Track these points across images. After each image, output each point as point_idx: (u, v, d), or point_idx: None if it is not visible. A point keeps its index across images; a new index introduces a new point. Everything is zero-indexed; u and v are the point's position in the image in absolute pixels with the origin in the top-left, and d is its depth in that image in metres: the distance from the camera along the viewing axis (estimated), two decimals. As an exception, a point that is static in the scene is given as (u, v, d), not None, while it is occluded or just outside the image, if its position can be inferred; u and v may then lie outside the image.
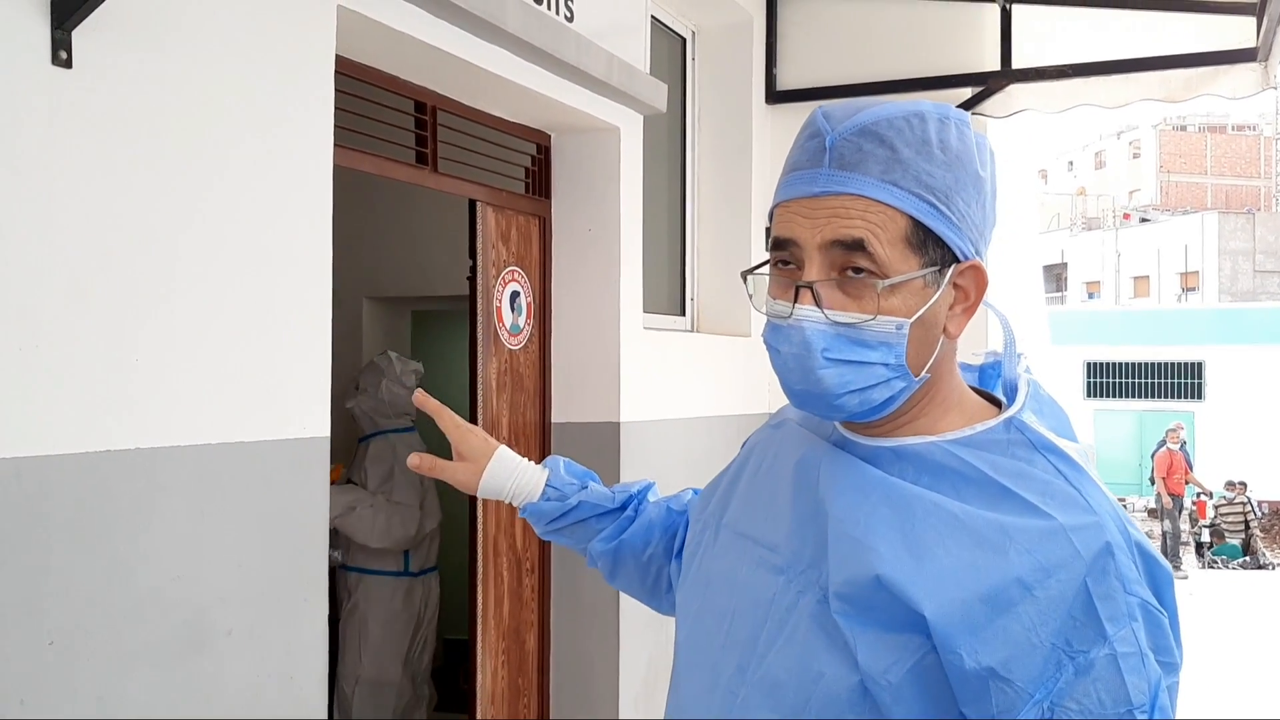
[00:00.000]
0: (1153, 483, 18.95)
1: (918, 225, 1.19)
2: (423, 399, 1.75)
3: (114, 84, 2.46)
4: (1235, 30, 5.47)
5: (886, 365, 1.20)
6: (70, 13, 2.34)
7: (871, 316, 1.19)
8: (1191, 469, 18.65)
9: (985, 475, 1.20)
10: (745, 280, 1.33)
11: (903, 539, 1.18)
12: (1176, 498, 16.32)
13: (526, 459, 1.77)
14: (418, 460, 1.69)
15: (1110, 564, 1.12)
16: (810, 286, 1.19)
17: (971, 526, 1.16)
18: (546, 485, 1.73)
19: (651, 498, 1.78)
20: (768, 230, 1.29)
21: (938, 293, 1.21)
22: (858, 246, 1.18)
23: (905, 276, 1.19)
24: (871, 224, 1.18)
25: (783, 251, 1.24)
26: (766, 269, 1.29)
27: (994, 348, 1.43)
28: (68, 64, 2.36)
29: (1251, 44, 5.37)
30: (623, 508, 1.74)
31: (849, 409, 1.23)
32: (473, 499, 4.37)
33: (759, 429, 1.54)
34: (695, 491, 1.75)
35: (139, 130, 2.51)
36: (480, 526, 4.39)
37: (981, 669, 1.10)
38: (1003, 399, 1.36)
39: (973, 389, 1.37)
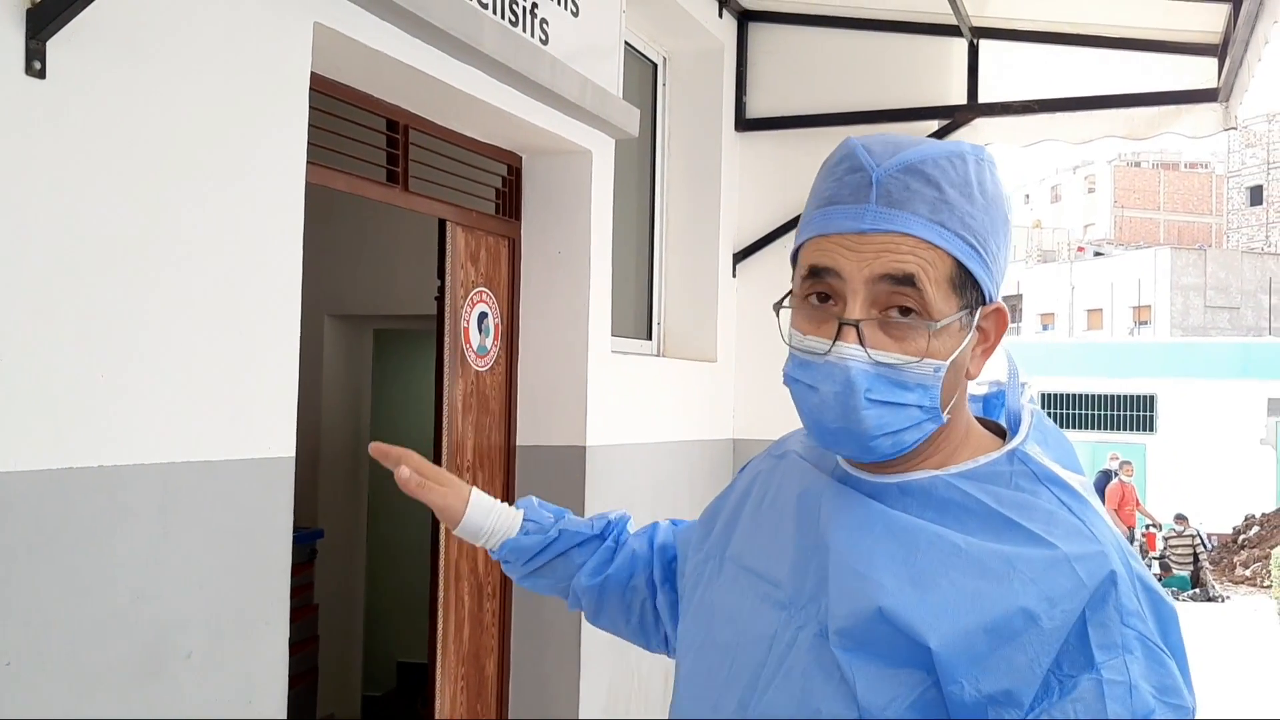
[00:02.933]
0: (1103, 514, 19.19)
1: (960, 267, 1.18)
2: (380, 451, 1.65)
3: (88, 95, 2.43)
4: (1197, 71, 5.57)
5: (921, 408, 1.19)
6: (46, 23, 2.30)
7: (917, 359, 1.17)
8: (1141, 501, 18.88)
9: (988, 507, 1.19)
10: (778, 313, 1.28)
11: (906, 571, 1.17)
12: (1129, 530, 16.54)
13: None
14: (407, 476, 1.61)
15: (1111, 593, 1.11)
16: (856, 325, 1.16)
17: (975, 556, 1.15)
18: (524, 519, 1.69)
19: (630, 529, 1.75)
20: (794, 258, 1.26)
21: (970, 335, 1.21)
22: (908, 282, 1.16)
23: (949, 319, 1.18)
24: (922, 262, 1.16)
25: (820, 282, 1.20)
26: (791, 304, 1.26)
27: (997, 377, 1.43)
28: (41, 74, 2.32)
29: (1213, 85, 5.48)
30: (603, 536, 1.71)
31: (881, 450, 1.21)
32: (435, 523, 4.33)
33: (760, 457, 1.52)
34: (674, 523, 1.72)
35: (112, 143, 2.48)
36: (442, 550, 4.35)
37: (982, 697, 1.09)
38: (1007, 429, 1.35)
39: (977, 419, 1.36)
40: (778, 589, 1.30)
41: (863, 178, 1.19)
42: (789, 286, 1.29)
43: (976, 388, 1.40)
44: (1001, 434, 1.34)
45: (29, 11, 2.30)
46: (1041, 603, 1.11)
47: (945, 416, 1.22)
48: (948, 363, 1.19)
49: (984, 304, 1.22)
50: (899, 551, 1.18)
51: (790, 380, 1.24)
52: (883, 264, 1.16)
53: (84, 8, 2.32)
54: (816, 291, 1.21)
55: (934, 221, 1.17)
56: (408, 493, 1.62)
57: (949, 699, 1.11)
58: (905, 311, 1.17)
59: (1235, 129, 5.54)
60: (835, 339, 1.17)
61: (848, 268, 1.17)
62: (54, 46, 2.34)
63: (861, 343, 1.16)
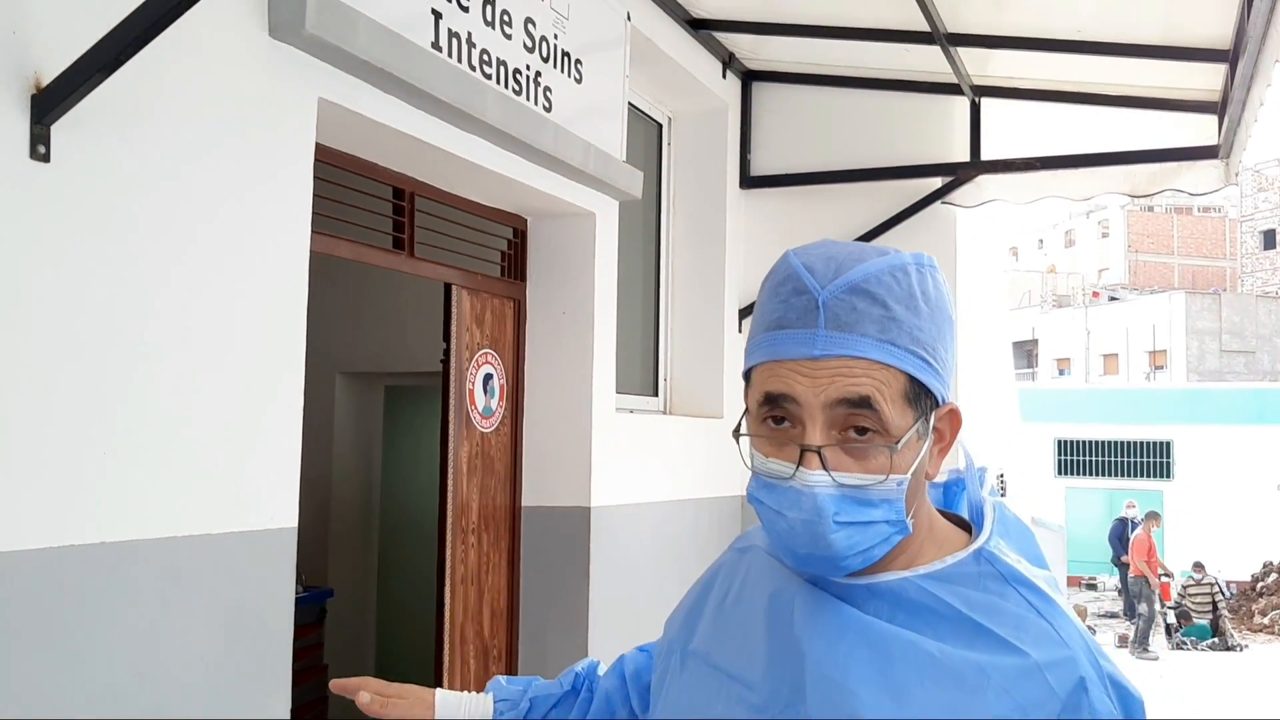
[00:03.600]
0: (1120, 565, 18.99)
1: (913, 381, 1.19)
2: (339, 686, 1.62)
3: (92, 177, 2.48)
4: (1197, 128, 5.61)
5: (889, 522, 1.20)
6: (50, 108, 2.36)
7: (882, 477, 1.18)
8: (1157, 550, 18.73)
9: (959, 612, 1.21)
10: (737, 440, 1.28)
11: (882, 681, 1.18)
12: (1156, 578, 16.30)
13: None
14: (367, 700, 1.58)
15: (1084, 700, 1.13)
16: (819, 450, 1.17)
17: (949, 667, 1.16)
18: (495, 701, 1.66)
19: (600, 672, 1.72)
20: (746, 377, 1.27)
21: (927, 442, 1.23)
22: (865, 404, 1.17)
23: (908, 434, 1.19)
24: (876, 382, 1.17)
25: (777, 408, 1.21)
26: (746, 424, 1.27)
27: (954, 465, 1.44)
28: (46, 158, 2.38)
29: (1214, 141, 5.51)
30: (575, 690, 1.68)
31: (851, 568, 1.22)
32: (440, 583, 4.34)
33: (724, 553, 1.53)
34: (643, 649, 1.70)
35: (115, 222, 2.53)
36: (447, 613, 4.35)
37: None
38: (970, 523, 1.37)
39: (939, 511, 1.37)
40: (751, 692, 1.29)
41: (809, 300, 1.19)
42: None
43: (937, 476, 1.41)
44: (963, 525, 1.35)
45: (34, 97, 2.36)
46: (1015, 711, 1.12)
47: (910, 525, 1.23)
48: (909, 475, 1.20)
49: (937, 407, 1.24)
50: (875, 660, 1.19)
51: (755, 501, 1.25)
52: (838, 388, 1.17)
53: (88, 93, 2.38)
54: (773, 415, 1.22)
55: (884, 341, 1.18)
56: (370, 714, 1.58)
57: None
58: (862, 431, 1.18)
59: (1237, 185, 5.56)
60: (798, 464, 1.18)
61: (804, 394, 1.18)
62: (58, 130, 2.40)
63: (825, 467, 1.17)
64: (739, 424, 1.27)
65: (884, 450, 1.18)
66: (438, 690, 1.63)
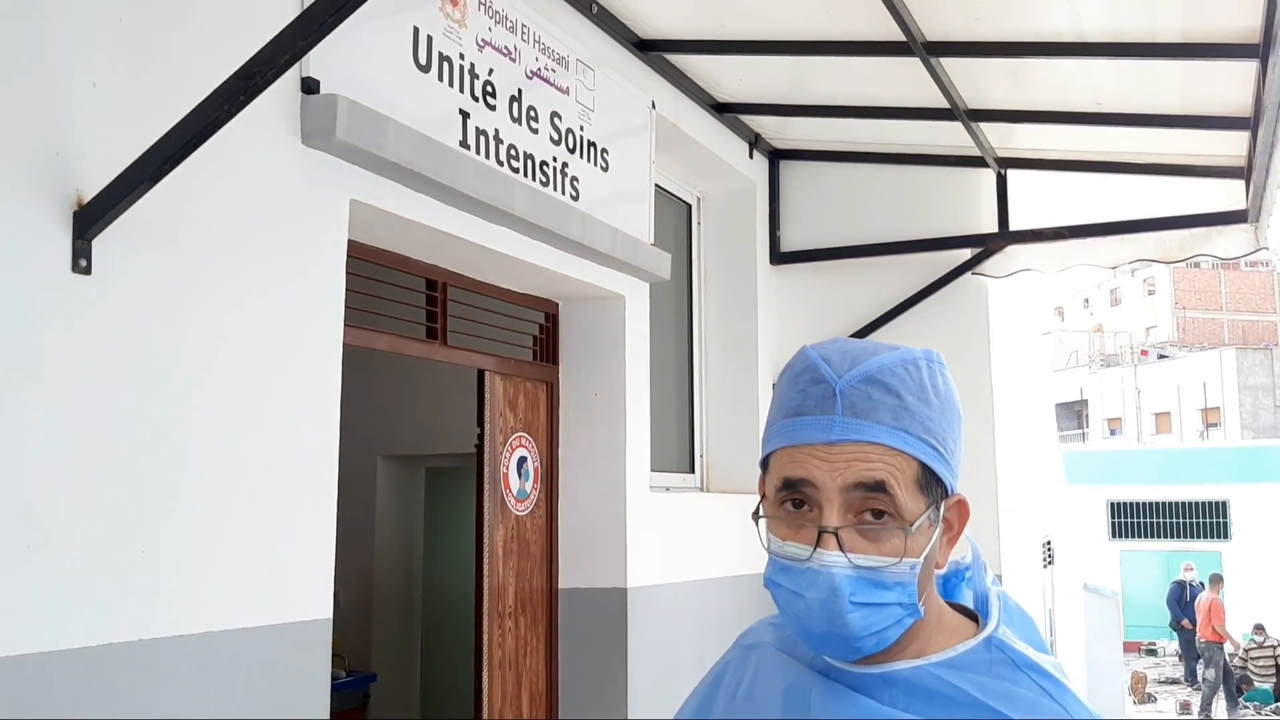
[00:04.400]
0: (1180, 629, 18.55)
1: (925, 468, 1.24)
2: None
3: (131, 288, 2.59)
4: (1225, 193, 5.63)
5: (901, 605, 1.24)
6: (92, 223, 2.48)
7: (896, 560, 1.22)
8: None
9: (974, 699, 1.23)
10: (756, 522, 1.32)
11: None
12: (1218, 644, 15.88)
13: None
14: None
15: None
16: (835, 532, 1.21)
17: None
18: None
19: None
20: (764, 464, 1.31)
21: (937, 530, 1.27)
22: (879, 489, 1.21)
23: (921, 519, 1.23)
24: (890, 468, 1.22)
25: (795, 492, 1.25)
26: (764, 508, 1.31)
27: (956, 559, 1.47)
28: (87, 271, 2.49)
29: (1241, 205, 5.52)
30: None
31: (866, 650, 1.25)
32: (477, 667, 4.36)
33: (729, 650, 1.56)
34: None
35: (154, 330, 2.63)
36: (485, 697, 4.37)
37: None
38: (976, 612, 1.40)
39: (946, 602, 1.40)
40: None
41: (826, 389, 1.25)
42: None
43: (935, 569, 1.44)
44: (968, 615, 1.38)
45: (76, 213, 2.48)
46: None
47: (922, 610, 1.26)
48: (921, 559, 1.24)
49: (946, 497, 1.28)
50: None
51: (772, 585, 1.28)
52: (854, 473, 1.21)
53: (128, 207, 2.50)
54: (792, 499, 1.26)
55: (897, 428, 1.23)
56: None
57: None
58: (878, 514, 1.23)
59: (1268, 248, 5.55)
60: (816, 545, 1.22)
61: (821, 477, 1.22)
62: (99, 244, 2.51)
63: (841, 548, 1.22)
64: (757, 508, 1.31)
65: (898, 533, 1.22)
66: None
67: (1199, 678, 16.19)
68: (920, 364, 1.28)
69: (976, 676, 1.25)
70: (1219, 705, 16.18)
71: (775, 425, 1.31)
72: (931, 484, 1.25)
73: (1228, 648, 16.61)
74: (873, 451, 1.22)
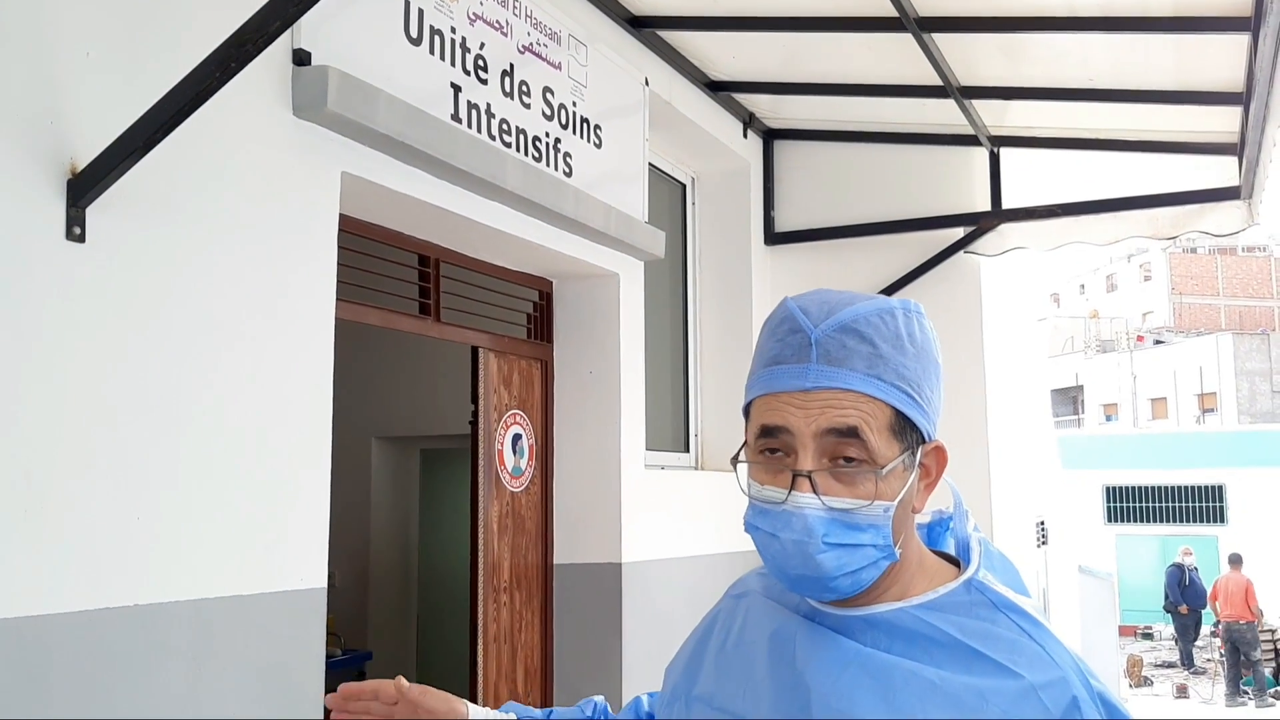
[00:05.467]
0: (1177, 612, 18.58)
1: (898, 414, 1.26)
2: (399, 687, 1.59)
3: (125, 257, 2.60)
4: (1218, 169, 5.63)
5: (875, 546, 1.27)
6: (85, 191, 2.49)
7: (868, 502, 1.25)
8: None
9: (954, 639, 1.26)
10: (735, 467, 1.35)
11: (886, 709, 1.23)
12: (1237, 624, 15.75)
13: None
14: (406, 685, 1.59)
15: (1078, 718, 1.19)
16: (809, 475, 1.24)
17: (949, 692, 1.21)
18: (518, 718, 1.69)
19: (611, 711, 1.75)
20: (746, 412, 1.34)
21: (913, 474, 1.30)
22: (852, 434, 1.24)
23: (894, 463, 1.26)
24: (864, 414, 1.25)
25: (772, 439, 1.28)
26: (745, 455, 1.34)
27: (939, 507, 1.50)
28: (81, 239, 2.50)
29: (1234, 182, 5.53)
30: (592, 716, 1.73)
31: (842, 590, 1.28)
32: (473, 642, 4.39)
33: (720, 600, 1.58)
34: (651, 695, 1.73)
35: (147, 299, 2.64)
36: (480, 672, 4.39)
37: None
38: (958, 558, 1.42)
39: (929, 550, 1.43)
40: None
41: (803, 338, 1.28)
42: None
43: (920, 517, 1.47)
44: (951, 561, 1.41)
45: (70, 181, 2.49)
46: None
47: (898, 552, 1.29)
48: (895, 502, 1.26)
49: (923, 443, 1.31)
50: (878, 689, 1.25)
51: (751, 528, 1.31)
52: (828, 418, 1.25)
53: (121, 175, 2.51)
54: (769, 446, 1.29)
55: (871, 375, 1.26)
56: (409, 699, 1.59)
57: None
58: (850, 459, 1.26)
59: (1260, 225, 5.56)
60: (791, 488, 1.25)
61: (796, 424, 1.26)
62: (93, 212, 2.53)
63: (815, 491, 1.25)
64: (738, 452, 1.34)
65: (871, 476, 1.25)
66: (469, 704, 1.64)
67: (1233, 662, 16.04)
68: (896, 313, 1.30)
69: (956, 617, 1.28)
70: (1217, 690, 16.24)
71: (755, 374, 1.34)
72: (906, 430, 1.27)
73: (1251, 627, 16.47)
74: (846, 398, 1.25)
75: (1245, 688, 15.99)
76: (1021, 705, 1.19)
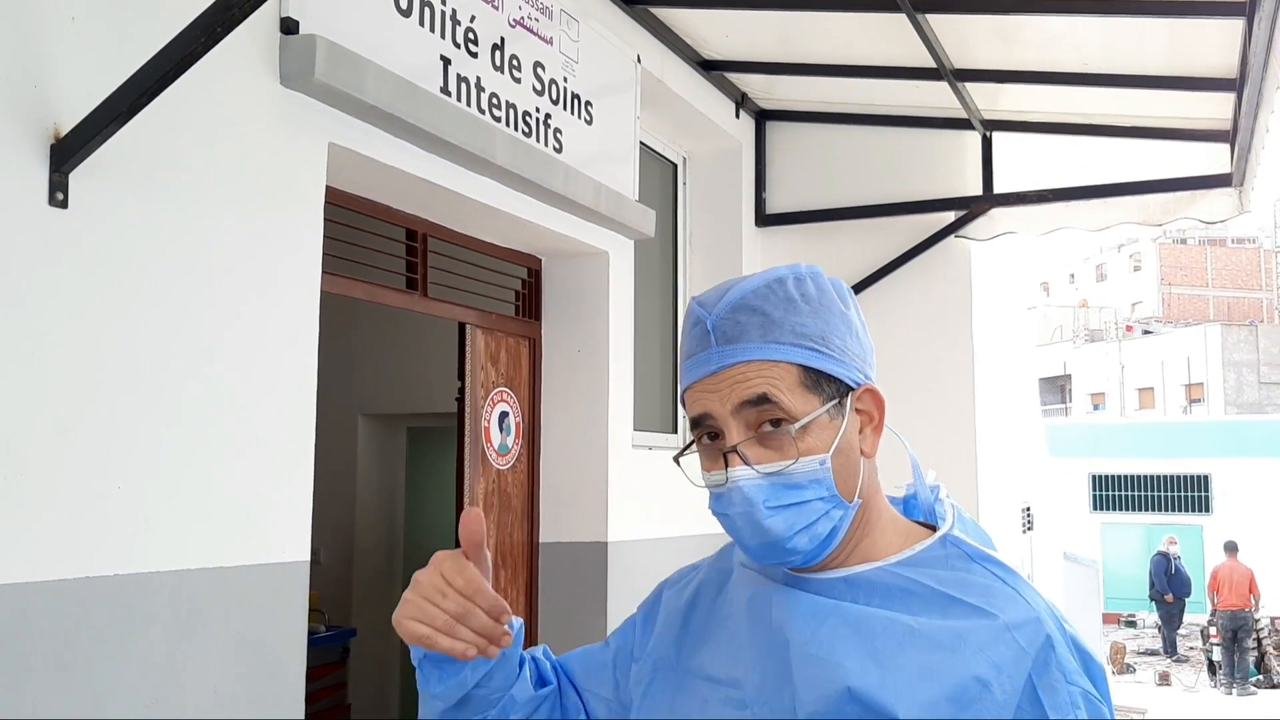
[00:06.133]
0: (1161, 601, 18.69)
1: (806, 370, 1.30)
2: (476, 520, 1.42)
3: (108, 223, 2.57)
4: (1210, 156, 5.63)
5: (822, 499, 1.30)
6: (68, 156, 2.46)
7: (794, 460, 1.28)
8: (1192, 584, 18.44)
9: (930, 588, 1.30)
10: (679, 464, 1.39)
11: (867, 653, 1.26)
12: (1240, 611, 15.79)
13: None
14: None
15: (1051, 657, 1.23)
16: (735, 449, 1.28)
17: (927, 634, 1.26)
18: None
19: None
20: (683, 403, 1.38)
21: (844, 422, 1.32)
22: (763, 400, 1.28)
23: (811, 416, 1.30)
24: (768, 378, 1.29)
25: (704, 428, 1.32)
26: (694, 449, 1.37)
27: (908, 481, 1.52)
28: (64, 205, 2.47)
29: (1226, 169, 5.53)
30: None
31: (801, 548, 1.31)
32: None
33: (697, 567, 1.59)
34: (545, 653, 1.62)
35: (131, 266, 2.62)
36: (465, 648, 4.38)
37: None
38: (935, 524, 1.44)
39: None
40: (737, 689, 1.36)
41: (702, 329, 1.33)
42: None
43: (895, 490, 1.49)
44: (930, 529, 1.43)
45: (53, 146, 2.46)
46: (991, 670, 1.21)
47: (857, 499, 1.33)
48: (829, 453, 1.30)
49: (851, 390, 1.34)
50: (856, 636, 1.28)
51: (713, 512, 1.36)
52: (737, 394, 1.29)
53: (104, 141, 2.48)
54: (707, 433, 1.33)
55: (767, 342, 1.30)
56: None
57: None
58: (776, 423, 1.29)
59: (1251, 212, 5.57)
60: (726, 467, 1.30)
61: (714, 406, 1.30)
62: (76, 178, 2.50)
63: (745, 462, 1.29)
64: (681, 450, 1.39)
65: (793, 434, 1.29)
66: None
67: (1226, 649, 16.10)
68: (786, 279, 1.35)
69: (933, 570, 1.32)
70: (1199, 677, 16.34)
71: (680, 372, 1.39)
72: (821, 381, 1.31)
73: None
74: (749, 369, 1.29)
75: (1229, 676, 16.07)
76: (997, 644, 1.23)
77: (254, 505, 2.92)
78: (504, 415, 4.69)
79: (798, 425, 1.28)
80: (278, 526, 2.99)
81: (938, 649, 1.23)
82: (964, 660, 1.22)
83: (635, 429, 5.20)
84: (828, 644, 1.28)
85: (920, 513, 1.47)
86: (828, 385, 1.31)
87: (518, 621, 1.48)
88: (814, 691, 1.26)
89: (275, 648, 2.97)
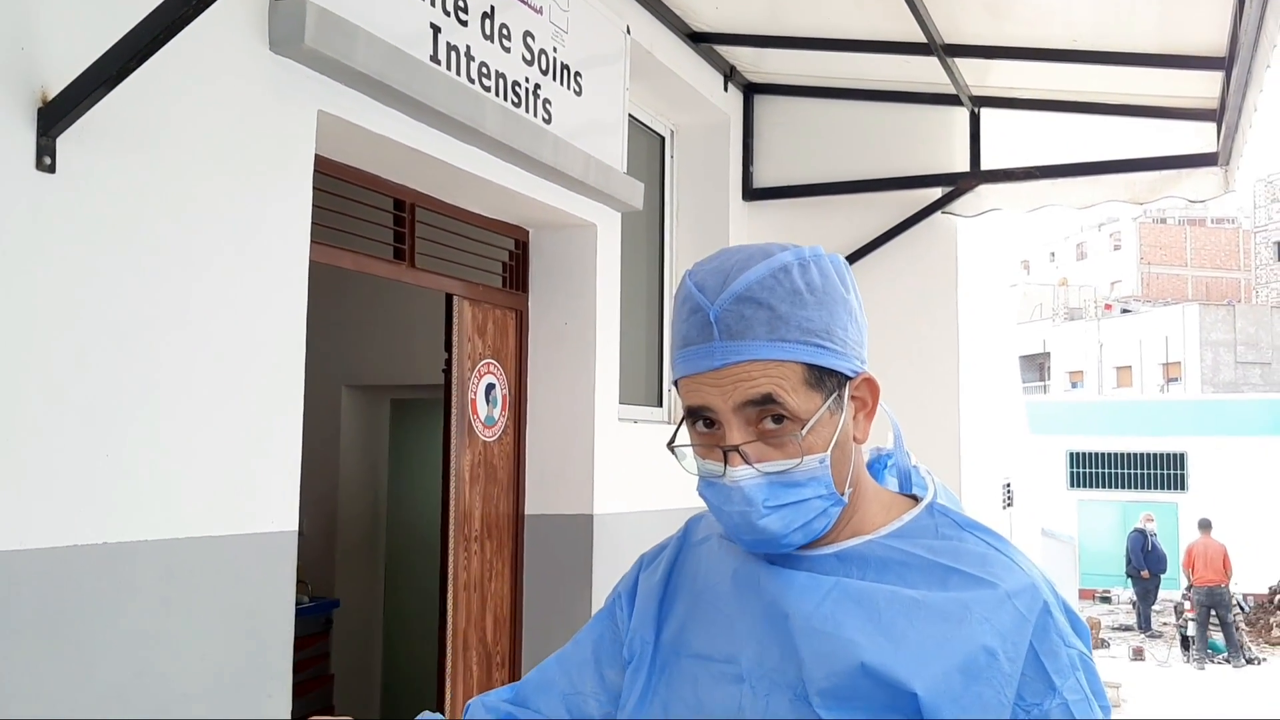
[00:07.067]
0: (1138, 577, 18.87)
1: (811, 368, 1.28)
2: None
3: (96, 188, 2.54)
4: (1197, 135, 5.64)
5: (820, 497, 1.29)
6: (56, 120, 2.42)
7: (798, 461, 1.27)
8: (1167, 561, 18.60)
9: (926, 559, 1.30)
10: (673, 452, 1.37)
11: (875, 627, 1.26)
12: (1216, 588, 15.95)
13: None
14: None
15: (1050, 622, 1.24)
16: (737, 449, 1.27)
17: (932, 605, 1.25)
18: None
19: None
20: (676, 385, 1.36)
21: (842, 416, 1.31)
22: (768, 401, 1.26)
23: (816, 416, 1.28)
24: (774, 378, 1.27)
25: (700, 417, 1.31)
26: (685, 435, 1.36)
27: (878, 444, 1.52)
28: (51, 169, 2.44)
29: (1213, 149, 5.54)
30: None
31: (796, 543, 1.31)
32: (443, 590, 4.38)
33: (678, 542, 1.57)
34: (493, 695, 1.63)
35: (119, 232, 2.59)
36: (449, 620, 4.39)
37: None
38: (907, 488, 1.46)
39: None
40: (731, 664, 1.35)
41: (703, 318, 1.29)
42: None
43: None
44: (911, 500, 1.43)
45: (40, 110, 2.42)
46: (997, 639, 1.22)
47: (847, 493, 1.32)
48: (829, 450, 1.29)
49: (850, 380, 1.33)
50: (861, 611, 1.27)
51: (704, 497, 1.35)
52: (741, 393, 1.27)
53: (92, 105, 2.45)
54: (702, 419, 1.32)
55: (774, 340, 1.27)
56: None
57: None
58: (778, 420, 1.28)
59: (1236, 192, 5.58)
60: (725, 463, 1.28)
61: (715, 402, 1.28)
62: (63, 142, 2.46)
63: (747, 461, 1.27)
64: (674, 434, 1.37)
65: (797, 434, 1.27)
66: None
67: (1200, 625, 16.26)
68: (791, 268, 1.31)
69: (925, 540, 1.33)
70: (1172, 652, 16.52)
71: (672, 355, 1.37)
72: (824, 377, 1.29)
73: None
74: (754, 368, 1.27)
75: (1211, 650, 16.25)
76: (999, 611, 1.24)
77: (242, 473, 2.90)
78: (490, 387, 4.68)
79: (805, 430, 1.27)
80: (266, 495, 2.98)
81: (946, 620, 1.24)
82: (971, 630, 1.22)
83: (621, 402, 5.20)
84: (833, 619, 1.27)
85: (885, 479, 1.48)
86: (829, 380, 1.30)
87: None
88: (824, 667, 1.26)
89: (263, 618, 2.96)
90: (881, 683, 1.21)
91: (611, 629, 1.57)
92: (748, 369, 1.27)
